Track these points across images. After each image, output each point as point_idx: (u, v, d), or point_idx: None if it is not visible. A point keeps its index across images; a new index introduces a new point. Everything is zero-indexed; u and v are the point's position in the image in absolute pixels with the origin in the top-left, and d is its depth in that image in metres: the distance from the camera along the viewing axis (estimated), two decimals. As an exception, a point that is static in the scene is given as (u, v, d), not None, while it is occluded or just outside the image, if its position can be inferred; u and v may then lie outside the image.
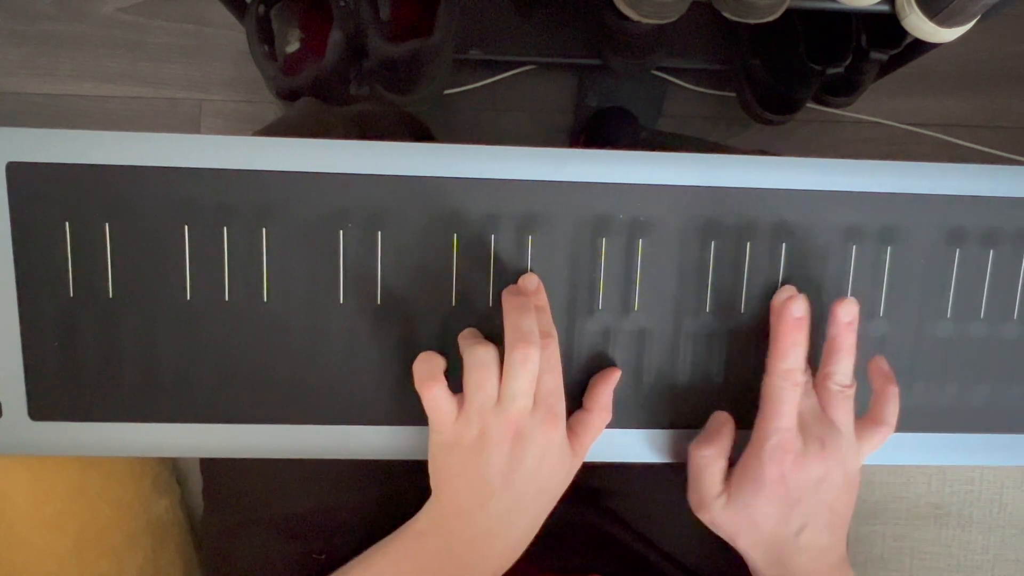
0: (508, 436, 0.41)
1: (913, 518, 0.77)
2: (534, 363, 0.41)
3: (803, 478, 0.43)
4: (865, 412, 0.46)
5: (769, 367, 0.44)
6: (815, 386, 0.45)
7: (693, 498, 0.46)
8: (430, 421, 0.43)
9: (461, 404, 0.42)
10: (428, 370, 0.42)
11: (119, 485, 0.70)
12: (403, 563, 0.44)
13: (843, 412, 0.44)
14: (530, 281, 0.45)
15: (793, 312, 0.44)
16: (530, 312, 0.42)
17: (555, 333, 0.43)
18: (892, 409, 0.45)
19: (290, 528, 0.51)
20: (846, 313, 0.44)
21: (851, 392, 0.44)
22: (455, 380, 0.43)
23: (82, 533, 0.64)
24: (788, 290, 0.46)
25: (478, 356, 0.41)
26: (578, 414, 0.46)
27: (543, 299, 0.45)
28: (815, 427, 0.44)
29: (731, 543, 0.46)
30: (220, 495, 0.56)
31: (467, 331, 0.45)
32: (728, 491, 0.45)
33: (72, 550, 0.63)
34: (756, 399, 0.47)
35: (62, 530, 0.62)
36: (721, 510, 0.45)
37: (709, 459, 0.45)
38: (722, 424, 0.46)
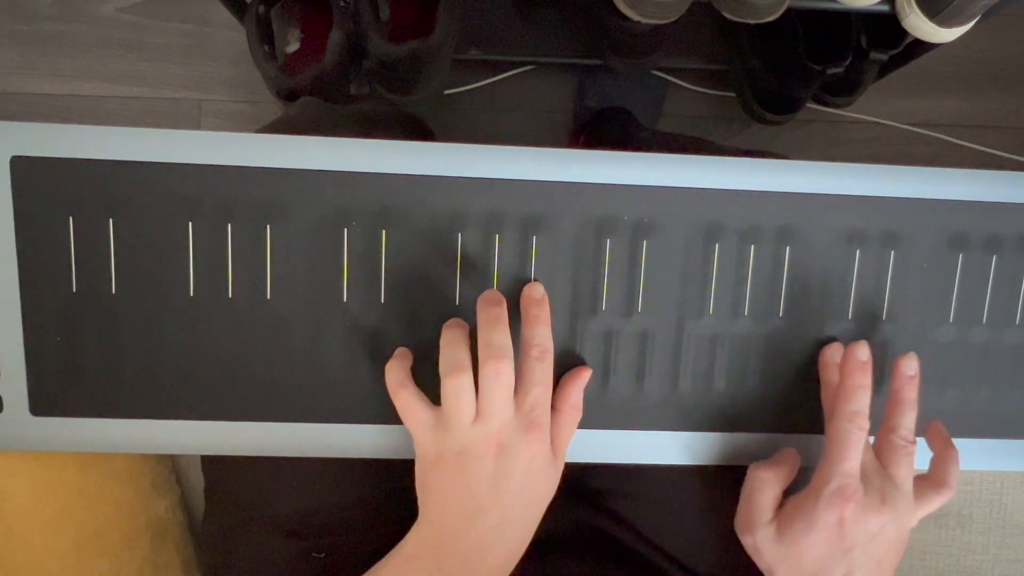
0: (490, 451, 0.41)
1: (913, 518, 0.76)
2: (507, 376, 0.40)
3: (860, 530, 0.43)
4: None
5: (836, 410, 0.44)
6: (877, 440, 0.45)
7: (741, 518, 0.46)
8: (409, 429, 0.43)
9: (439, 414, 0.42)
10: (398, 379, 0.43)
11: (119, 485, 0.69)
12: None
13: (904, 468, 0.44)
14: (535, 290, 0.44)
15: (859, 356, 0.44)
16: (502, 325, 0.41)
17: (551, 347, 0.43)
18: (955, 472, 0.45)
19: (290, 527, 0.51)
20: (908, 367, 0.45)
21: (914, 449, 0.44)
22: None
23: (82, 533, 0.64)
24: (837, 345, 0.47)
25: (450, 359, 0.41)
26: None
27: (545, 311, 0.44)
28: (876, 479, 0.43)
29: (766, 573, 0.45)
30: (221, 494, 0.56)
31: (450, 323, 0.44)
32: (778, 522, 0.44)
33: (72, 550, 0.62)
34: (757, 401, 0.47)
35: (62, 530, 0.62)
36: (768, 540, 0.44)
37: (766, 482, 0.45)
38: (790, 457, 0.46)
